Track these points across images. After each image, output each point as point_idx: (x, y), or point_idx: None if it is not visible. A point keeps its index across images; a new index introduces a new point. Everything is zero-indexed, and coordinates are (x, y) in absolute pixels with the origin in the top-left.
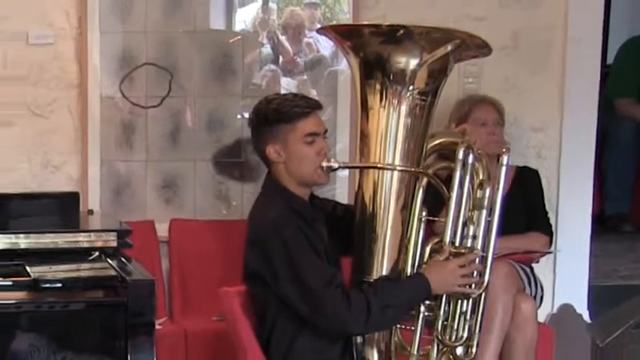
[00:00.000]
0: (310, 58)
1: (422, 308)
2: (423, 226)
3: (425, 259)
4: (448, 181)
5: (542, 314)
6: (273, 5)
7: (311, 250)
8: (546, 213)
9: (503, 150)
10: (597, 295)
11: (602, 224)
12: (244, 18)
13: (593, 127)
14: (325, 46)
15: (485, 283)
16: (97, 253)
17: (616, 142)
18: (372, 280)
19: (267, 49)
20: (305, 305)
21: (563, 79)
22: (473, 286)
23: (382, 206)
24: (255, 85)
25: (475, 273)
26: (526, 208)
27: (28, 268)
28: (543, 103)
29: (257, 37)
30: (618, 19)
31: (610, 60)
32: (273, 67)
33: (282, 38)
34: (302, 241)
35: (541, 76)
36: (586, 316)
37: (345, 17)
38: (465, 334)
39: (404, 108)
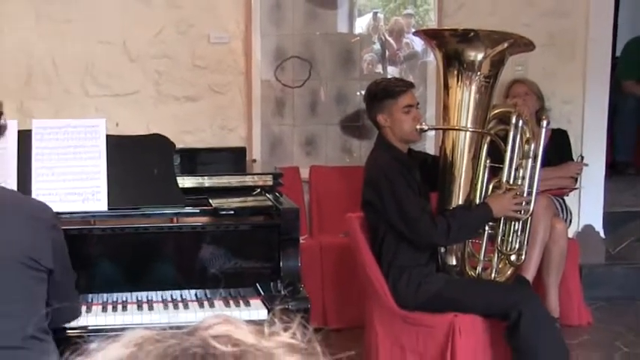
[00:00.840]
0: (408, 52)
1: (486, 227)
2: (487, 170)
3: (488, 193)
4: (505, 138)
5: (571, 232)
6: (381, 15)
7: (408, 187)
8: (572, 158)
9: (544, 117)
10: (609, 218)
11: (613, 168)
12: (361, 24)
13: (606, 100)
14: (418, 44)
15: (530, 210)
16: (258, 190)
17: (622, 110)
18: (451, 208)
19: (377, 47)
20: (405, 226)
21: (584, 67)
22: (522, 212)
23: (458, 156)
24: (369, 71)
25: (524, 203)
26: (559, 157)
27: (210, 200)
28: (571, 84)
29: (370, 38)
30: (624, 25)
31: (617, 53)
32: (380, 59)
33: (389, 38)
34: (402, 181)
35: (569, 65)
36: (602, 233)
37: (432, 23)
38: (517, 246)
39: (473, 87)
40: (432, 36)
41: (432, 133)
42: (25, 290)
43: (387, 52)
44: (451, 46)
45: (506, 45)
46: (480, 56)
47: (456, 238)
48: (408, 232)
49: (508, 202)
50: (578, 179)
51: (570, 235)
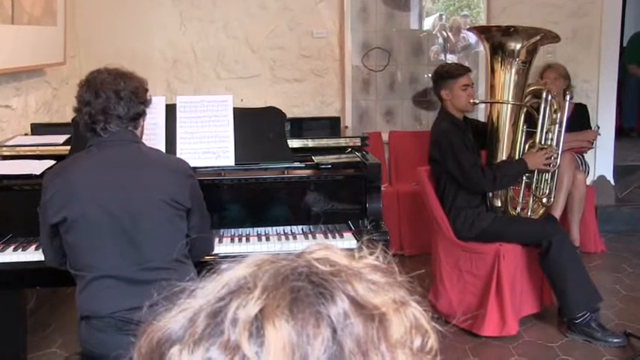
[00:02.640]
0: (464, 44)
1: (524, 177)
2: (524, 134)
3: (525, 151)
4: (537, 109)
5: (589, 181)
6: (443, 16)
7: (464, 146)
8: (591, 126)
9: (567, 92)
10: (618, 170)
11: (621, 132)
12: (428, 23)
13: (615, 80)
14: (472, 38)
15: (557, 164)
16: (349, 149)
17: (627, 88)
18: (496, 162)
19: (440, 40)
20: (460, 175)
21: (599, 54)
22: (550, 165)
23: (502, 123)
24: (434, 58)
25: (552, 158)
26: (580, 125)
27: (312, 157)
28: (589, 68)
29: (435, 33)
30: (629, 22)
31: (624, 44)
32: (443, 49)
33: (449, 34)
34: (459, 141)
35: (587, 53)
36: (612, 182)
37: (482, 22)
38: (547, 191)
39: (513, 70)
40: (482, 31)
41: (482, 105)
42: (171, 224)
43: (448, 44)
44: (496, 38)
45: (538, 37)
46: (518, 46)
47: (499, 185)
48: (463, 180)
49: (540, 158)
50: (594, 143)
51: (588, 183)
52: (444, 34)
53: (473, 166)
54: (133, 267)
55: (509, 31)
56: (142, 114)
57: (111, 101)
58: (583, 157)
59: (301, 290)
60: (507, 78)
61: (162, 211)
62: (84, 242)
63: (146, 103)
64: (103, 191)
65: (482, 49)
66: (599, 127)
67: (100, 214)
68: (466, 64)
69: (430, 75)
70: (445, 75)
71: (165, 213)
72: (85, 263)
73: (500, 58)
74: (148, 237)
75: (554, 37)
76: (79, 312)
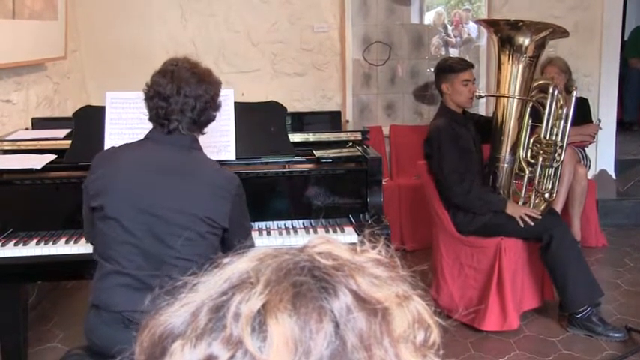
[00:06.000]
0: (465, 38)
1: (526, 171)
2: (529, 128)
3: (530, 146)
4: (543, 104)
5: (590, 175)
6: (444, 10)
7: (455, 146)
8: (592, 120)
9: (574, 87)
10: (619, 164)
11: (622, 126)
12: (429, 17)
13: (616, 73)
14: (473, 32)
15: (561, 159)
16: (351, 143)
17: (629, 81)
18: (499, 156)
19: (441, 34)
20: (440, 176)
21: (600, 48)
22: (554, 161)
23: (507, 117)
24: (435, 52)
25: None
26: (581, 119)
27: (313, 151)
28: (590, 62)
29: (436, 27)
30: (630, 16)
31: (625, 38)
32: (444, 43)
33: (450, 28)
34: (449, 141)
35: (589, 47)
36: (613, 176)
37: (483, 16)
38: (550, 186)
39: (521, 65)
40: (491, 24)
41: (483, 100)
42: (202, 239)
43: (448, 38)
44: (505, 32)
45: (546, 32)
46: (526, 41)
47: (470, 202)
48: (442, 181)
49: (519, 211)
50: (595, 136)
51: (589, 177)
52: (446, 28)
53: (451, 173)
54: (154, 272)
55: (518, 26)
56: (212, 120)
57: (189, 104)
58: (584, 151)
59: (304, 284)
60: (515, 72)
61: (194, 225)
62: (113, 235)
63: (219, 108)
64: (142, 193)
65: (484, 43)
66: (600, 121)
67: (134, 214)
68: (467, 58)
69: (431, 69)
70: (447, 68)
71: (198, 228)
72: (110, 255)
73: (508, 52)
74: (175, 247)
75: (562, 33)
76: (90, 299)
